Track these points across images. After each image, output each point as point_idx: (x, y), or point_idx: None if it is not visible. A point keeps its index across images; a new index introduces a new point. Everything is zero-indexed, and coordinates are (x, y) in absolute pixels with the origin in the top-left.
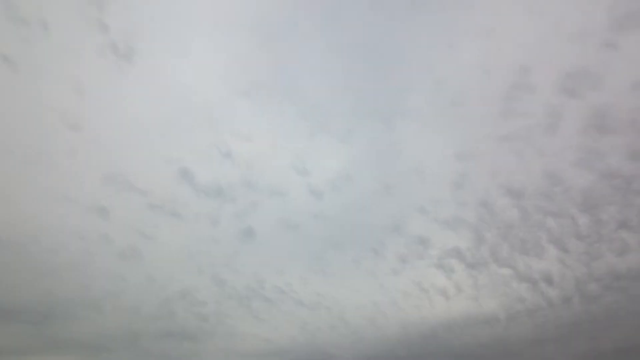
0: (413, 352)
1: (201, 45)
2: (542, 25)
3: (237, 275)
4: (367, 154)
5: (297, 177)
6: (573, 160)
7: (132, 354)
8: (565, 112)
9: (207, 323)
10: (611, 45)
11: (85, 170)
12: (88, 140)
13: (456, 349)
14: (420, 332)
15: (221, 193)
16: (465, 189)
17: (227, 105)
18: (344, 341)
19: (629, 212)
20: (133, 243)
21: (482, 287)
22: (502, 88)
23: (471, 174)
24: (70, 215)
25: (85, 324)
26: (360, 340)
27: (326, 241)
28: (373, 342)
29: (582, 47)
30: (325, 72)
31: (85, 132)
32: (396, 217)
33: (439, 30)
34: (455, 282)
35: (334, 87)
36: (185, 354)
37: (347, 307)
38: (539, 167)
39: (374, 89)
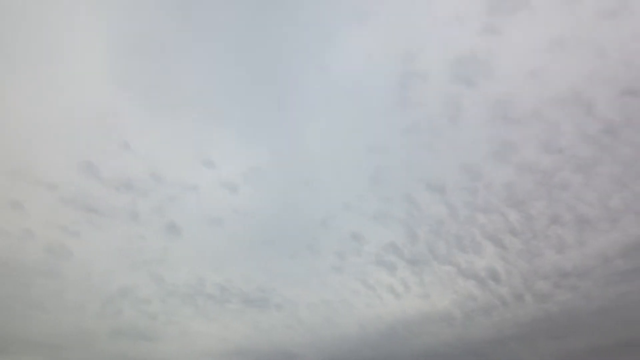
0: (378, 351)
1: (98, 55)
2: (418, 9)
3: (173, 272)
4: (275, 147)
5: (205, 170)
6: (487, 153)
7: (89, 354)
8: (464, 102)
9: (157, 321)
10: (493, 31)
11: None
12: None
13: (421, 349)
14: (378, 330)
15: (131, 186)
16: (384, 183)
17: (125, 106)
18: (303, 340)
19: (557, 207)
20: (58, 239)
21: (429, 284)
22: (393, 76)
23: (386, 168)
24: None
25: (32, 323)
26: (320, 340)
27: (257, 237)
28: (333, 341)
29: (463, 32)
30: (219, 71)
31: None
32: (322, 212)
33: (320, 20)
34: (400, 279)
35: (228, 84)
36: (143, 354)
37: (298, 305)
38: (453, 160)
39: (269, 84)
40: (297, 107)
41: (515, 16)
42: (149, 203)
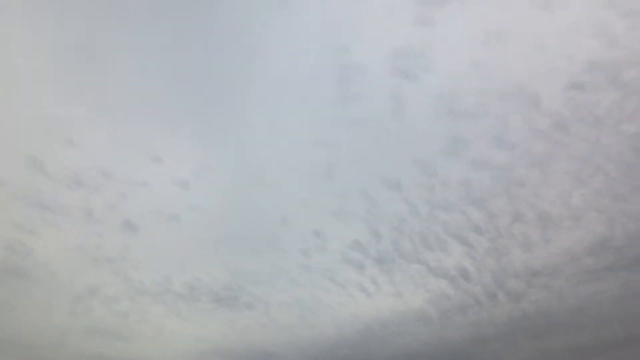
0: (357, 351)
1: (40, 62)
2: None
3: (137, 270)
4: (222, 144)
5: (153, 166)
6: (437, 148)
7: (63, 353)
8: (406, 96)
9: (129, 320)
10: (425, 23)
11: None
12: None
13: (401, 348)
14: (356, 329)
15: (81, 183)
16: (339, 179)
17: (66, 105)
18: (282, 340)
19: (517, 205)
20: (15, 236)
21: (400, 283)
22: (330, 69)
23: (338, 164)
24: None
25: (2, 322)
26: (299, 339)
27: (217, 235)
28: (312, 341)
29: (397, 24)
30: (156, 72)
31: None
32: (279, 209)
33: (251, 14)
34: (369, 277)
35: (166, 85)
36: (121, 353)
37: (270, 304)
38: (405, 156)
39: (207, 82)
40: (239, 104)
41: (445, 8)
42: (101, 200)
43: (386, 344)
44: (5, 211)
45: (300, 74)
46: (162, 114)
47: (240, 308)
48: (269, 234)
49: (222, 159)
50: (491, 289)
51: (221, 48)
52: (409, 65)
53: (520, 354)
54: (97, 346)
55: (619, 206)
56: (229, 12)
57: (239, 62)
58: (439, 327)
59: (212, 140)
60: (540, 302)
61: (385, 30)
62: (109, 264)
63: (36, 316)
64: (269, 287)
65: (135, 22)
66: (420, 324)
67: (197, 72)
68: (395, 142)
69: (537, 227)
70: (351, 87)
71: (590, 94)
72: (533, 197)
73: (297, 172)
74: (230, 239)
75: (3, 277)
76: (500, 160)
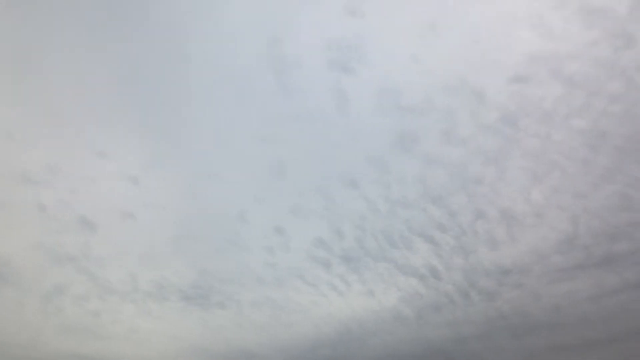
0: (337, 351)
1: None
2: None
3: (102, 268)
4: (169, 140)
5: (100, 162)
6: (387, 144)
7: (37, 352)
8: (347, 90)
9: (101, 319)
10: (354, 13)
11: None
12: None
13: (381, 347)
14: (334, 329)
15: (28, 179)
16: (291, 176)
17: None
18: (260, 340)
19: (477, 202)
20: None
21: (370, 281)
22: (264, 61)
23: (288, 159)
24: None
25: None
26: (278, 339)
27: (176, 232)
28: (291, 340)
29: (327, 14)
30: (94, 67)
31: None
32: (235, 206)
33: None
34: (338, 276)
35: (104, 83)
36: (96, 353)
37: (241, 303)
38: (356, 152)
39: (143, 79)
40: (178, 99)
41: None
42: (52, 196)
43: (365, 343)
44: None
45: (236, 66)
46: (104, 110)
47: (212, 307)
48: (229, 231)
49: (169, 155)
50: (463, 288)
51: (153, 43)
52: (344, 58)
53: (502, 354)
54: (72, 345)
55: (580, 203)
56: (160, 6)
57: (175, 57)
58: (416, 326)
59: (157, 136)
60: (515, 301)
61: (316, 21)
62: (72, 262)
63: (8, 315)
64: (238, 286)
65: (68, 19)
66: (398, 324)
67: (134, 67)
68: (344, 138)
69: (500, 225)
70: (289, 80)
71: (534, 88)
72: (492, 194)
73: (247, 168)
74: (191, 236)
75: None
76: (453, 157)
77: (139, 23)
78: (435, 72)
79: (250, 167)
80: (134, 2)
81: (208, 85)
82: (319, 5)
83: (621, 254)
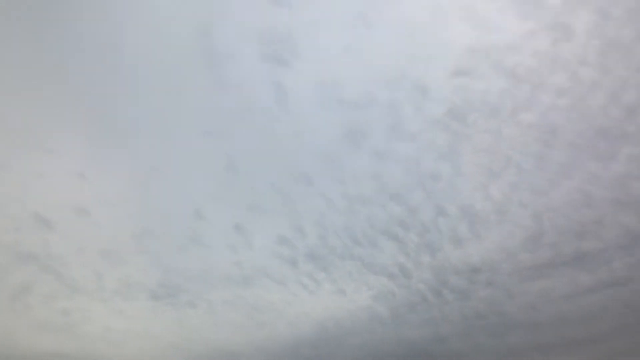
0: (318, 350)
1: None
2: None
3: (66, 266)
4: (114, 136)
5: (46, 157)
6: (335, 140)
7: (16, 350)
8: (285, 83)
9: (72, 317)
10: (281, 4)
11: None
12: None
13: (361, 347)
14: (311, 328)
15: None
16: (243, 172)
17: None
18: (239, 339)
19: (437, 198)
20: None
21: (340, 280)
22: (195, 54)
23: (236, 155)
24: None
25: None
26: (256, 339)
27: (134, 230)
28: (268, 340)
29: (252, 4)
30: (25, 62)
31: None
32: (191, 203)
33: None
34: (306, 274)
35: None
36: (74, 352)
37: (213, 302)
38: (305, 148)
39: (80, 72)
40: (115, 93)
41: None
42: (3, 192)
43: (344, 342)
44: None
45: (168, 59)
46: (46, 105)
47: (183, 307)
48: (188, 229)
49: (115, 151)
50: (434, 286)
51: (84, 35)
52: (276, 50)
53: (484, 353)
54: (47, 344)
55: (541, 200)
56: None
57: (107, 48)
58: (394, 325)
59: (101, 132)
60: (489, 299)
61: (244, 11)
62: (34, 261)
63: None
64: (206, 285)
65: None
66: (375, 323)
67: (69, 61)
68: (290, 133)
69: (462, 222)
70: (223, 73)
71: (477, 82)
72: (450, 190)
73: (197, 164)
74: (150, 233)
75: None
76: (404, 152)
77: (69, 19)
78: (373, 65)
79: (199, 162)
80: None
81: (143, 78)
82: None
83: (590, 253)
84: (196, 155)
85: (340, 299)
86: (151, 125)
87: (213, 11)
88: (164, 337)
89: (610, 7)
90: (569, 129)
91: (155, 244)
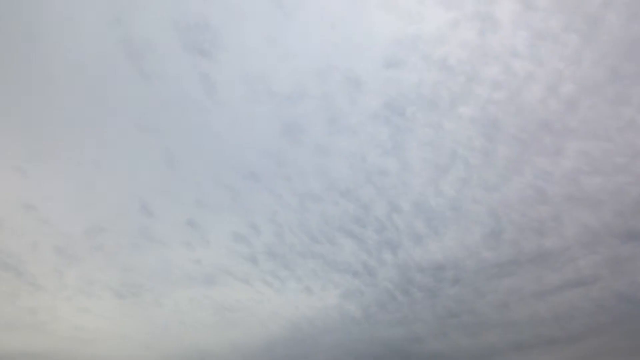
0: (293, 350)
1: None
2: None
3: (24, 264)
4: (47, 132)
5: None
6: (274, 134)
7: None
8: (211, 75)
9: (39, 316)
10: None
11: None
12: None
13: (336, 346)
14: (283, 327)
15: None
16: (183, 167)
17: None
18: (212, 339)
19: (388, 194)
20: None
21: (304, 278)
22: (113, 44)
23: (172, 150)
24: None
25: None
26: (229, 338)
27: (85, 226)
28: (242, 339)
29: None
30: None
31: None
32: (137, 199)
33: None
34: (269, 272)
35: None
36: (47, 352)
37: (179, 301)
38: (244, 142)
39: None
40: (43, 89)
41: None
42: None
43: (319, 341)
44: None
45: (86, 52)
46: None
47: (149, 305)
48: (137, 225)
49: (54, 147)
50: (401, 284)
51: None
52: (197, 41)
53: (462, 352)
54: (18, 343)
55: (494, 196)
56: None
57: (23, 42)
58: (367, 324)
59: (37, 127)
60: (458, 297)
61: (159, 1)
62: None
63: None
64: (169, 284)
65: None
66: (347, 322)
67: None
68: (225, 127)
69: (418, 218)
70: (146, 65)
71: (409, 73)
72: (401, 186)
73: (136, 159)
74: (102, 230)
75: None
76: (347, 147)
77: None
78: (298, 56)
79: (139, 157)
80: None
81: (60, 70)
82: None
83: (553, 251)
84: (134, 150)
85: (308, 297)
86: (82, 119)
87: (130, 2)
88: (136, 337)
89: None
90: (510, 122)
91: (109, 241)
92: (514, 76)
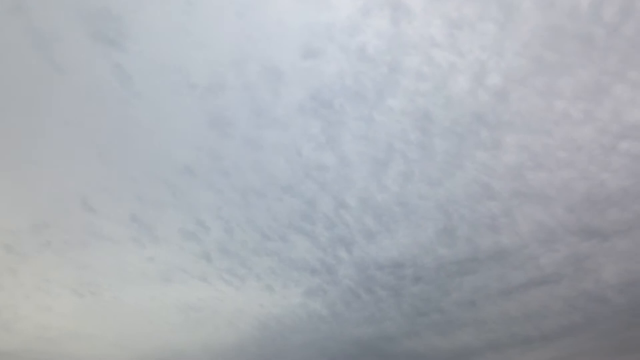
0: (265, 349)
1: None
2: None
3: None
4: None
5: None
6: (204, 126)
7: None
8: (126, 67)
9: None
10: None
11: None
12: None
13: (308, 346)
14: (252, 326)
15: None
16: (112, 161)
17: None
18: (183, 339)
19: (331, 190)
20: None
21: (264, 276)
22: (12, 33)
23: (103, 143)
24: None
25: None
26: (200, 338)
27: (27, 222)
28: (213, 339)
29: None
30: None
31: None
32: (75, 194)
33: None
34: (226, 270)
35: None
36: (15, 350)
37: (139, 299)
38: (174, 135)
39: None
40: None
41: None
42: None
43: (290, 340)
44: None
45: None
46: None
47: (109, 304)
48: (81, 221)
49: None
50: (363, 283)
51: None
52: (103, 29)
53: (439, 352)
54: None
55: (440, 192)
56: None
57: None
58: (336, 323)
59: None
60: (423, 295)
61: None
62: None
63: None
64: (125, 282)
65: None
66: (315, 320)
67: None
68: (151, 121)
69: (367, 214)
70: (54, 56)
71: (329, 64)
72: (343, 181)
73: (67, 154)
74: (47, 227)
75: None
76: (279, 141)
77: None
78: (212, 46)
79: (72, 153)
80: None
81: None
82: None
83: (511, 248)
84: (66, 145)
85: (270, 295)
86: (9, 120)
87: None
88: (106, 336)
89: None
90: (441, 115)
91: (55, 237)
92: (438, 67)
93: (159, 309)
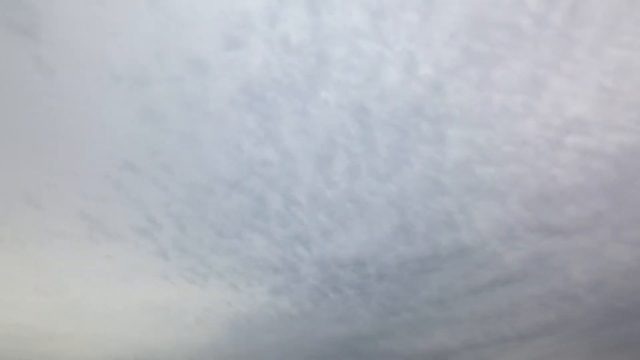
0: (240, 348)
1: None
2: None
3: None
4: None
5: None
6: (137, 120)
7: None
8: (46, 58)
9: None
10: None
11: None
12: None
13: (283, 345)
14: (222, 325)
15: None
16: (53, 157)
17: None
18: (152, 337)
19: (277, 186)
20: None
21: (226, 275)
22: None
23: (39, 137)
24: None
25: None
26: (176, 338)
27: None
28: (186, 339)
29: None
30: None
31: None
32: (17, 187)
33: None
34: (186, 268)
35: None
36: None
37: (106, 300)
38: (108, 128)
39: None
40: None
41: None
42: None
43: (262, 340)
44: None
45: None
46: None
47: (75, 304)
48: (29, 218)
49: None
50: (328, 281)
51: None
52: (16, 19)
53: (415, 352)
54: None
55: (389, 188)
56: None
57: None
58: (306, 322)
59: None
60: (390, 294)
61: None
62: None
63: None
64: (87, 281)
65: None
66: (287, 320)
67: None
68: (81, 115)
69: (320, 212)
70: None
71: (253, 56)
72: (288, 177)
73: (4, 149)
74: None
75: None
76: (217, 136)
77: None
78: (130, 37)
79: (8, 147)
80: None
81: None
82: None
83: (473, 246)
84: (1, 140)
85: (236, 294)
86: None
87: None
88: (80, 336)
89: None
90: (378, 108)
91: (6, 235)
92: (366, 58)
93: (126, 308)
